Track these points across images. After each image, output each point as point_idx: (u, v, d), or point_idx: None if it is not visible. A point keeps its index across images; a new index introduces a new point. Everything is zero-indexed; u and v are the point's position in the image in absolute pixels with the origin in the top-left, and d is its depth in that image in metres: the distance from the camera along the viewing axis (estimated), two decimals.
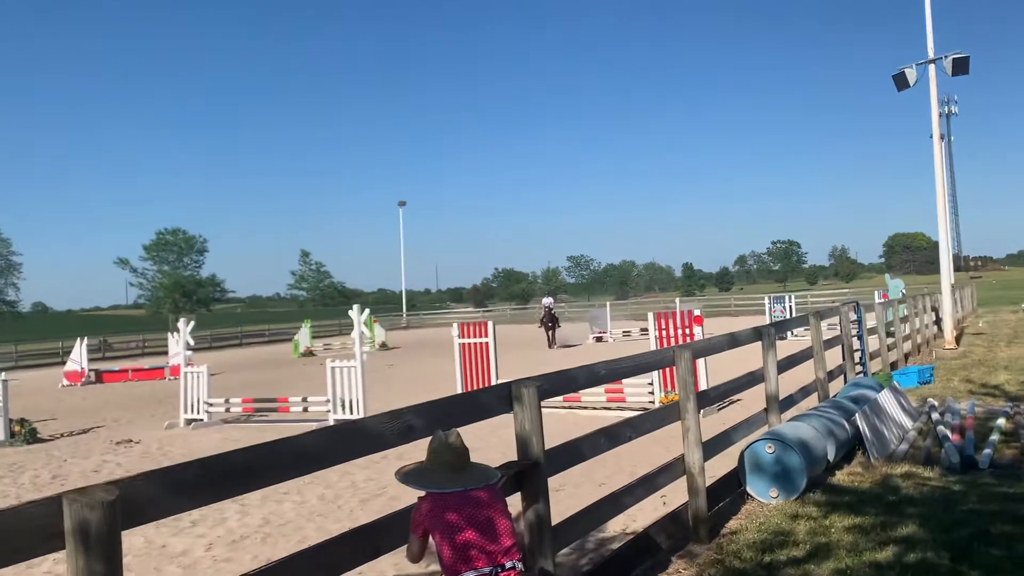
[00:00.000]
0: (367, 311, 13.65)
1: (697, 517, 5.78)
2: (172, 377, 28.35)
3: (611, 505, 4.91)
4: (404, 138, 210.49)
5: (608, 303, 40.60)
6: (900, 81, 17.06)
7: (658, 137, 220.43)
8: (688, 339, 12.16)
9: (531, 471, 3.96)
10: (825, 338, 11.16)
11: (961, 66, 16.46)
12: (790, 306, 28.59)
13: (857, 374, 11.73)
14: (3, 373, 14.47)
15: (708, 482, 6.60)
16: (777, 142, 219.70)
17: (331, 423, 13.35)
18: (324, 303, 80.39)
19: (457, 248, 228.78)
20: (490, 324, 14.33)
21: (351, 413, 13.13)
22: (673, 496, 6.62)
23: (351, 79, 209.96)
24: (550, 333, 29.94)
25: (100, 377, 28.63)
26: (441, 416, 3.53)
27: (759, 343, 7.49)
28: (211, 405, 14.90)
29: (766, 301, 29.71)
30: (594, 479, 8.29)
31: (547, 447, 4.24)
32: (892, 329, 18.26)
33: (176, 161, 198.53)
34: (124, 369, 29.29)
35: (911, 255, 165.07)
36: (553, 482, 8.37)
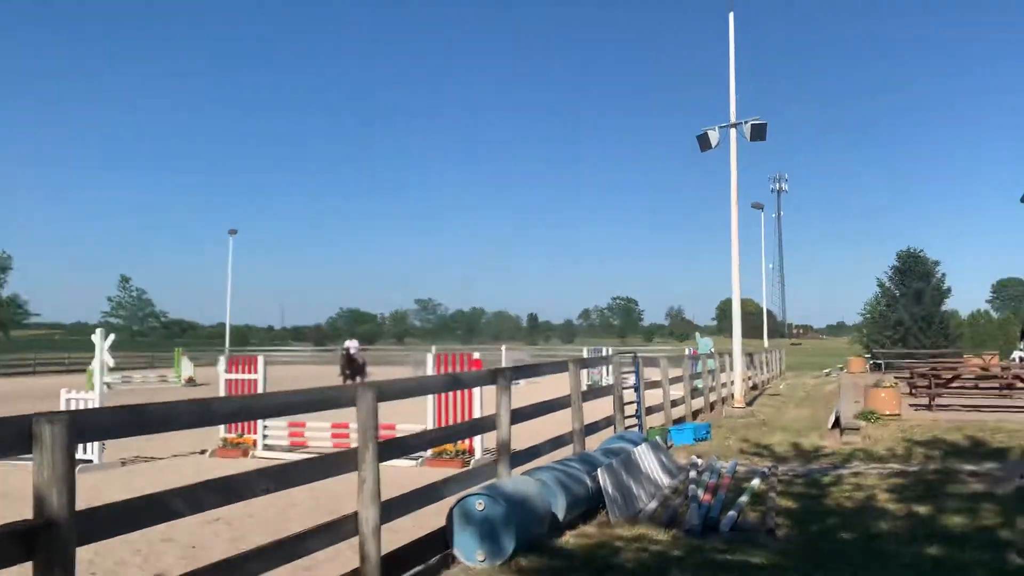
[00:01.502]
0: (111, 336, 12.19)
1: None
2: None
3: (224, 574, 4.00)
4: (242, 167, 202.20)
5: (432, 350, 39.75)
6: (703, 141, 17.46)
7: (509, 188, 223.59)
8: None
9: (44, 534, 3.01)
10: (586, 387, 10.84)
11: (759, 132, 17.01)
12: (634, 354, 28.78)
13: (630, 427, 11.40)
14: None
15: (405, 541, 5.85)
16: (624, 203, 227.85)
17: None
18: (146, 333, 75.42)
19: (306, 286, 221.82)
20: (260, 360, 13.18)
21: (82, 452, 11.60)
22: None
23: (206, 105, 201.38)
24: (348, 383, 24.67)
25: None
26: None
27: (495, 386, 6.84)
28: None
29: (584, 352, 29.83)
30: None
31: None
32: (697, 384, 18.45)
33: None
34: None
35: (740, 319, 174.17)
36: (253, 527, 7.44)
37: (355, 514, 5.03)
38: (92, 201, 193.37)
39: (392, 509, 5.36)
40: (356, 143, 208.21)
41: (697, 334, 31.16)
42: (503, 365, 31.69)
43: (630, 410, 12.08)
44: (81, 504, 3.23)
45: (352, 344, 25.75)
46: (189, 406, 3.78)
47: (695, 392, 18.16)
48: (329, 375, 37.84)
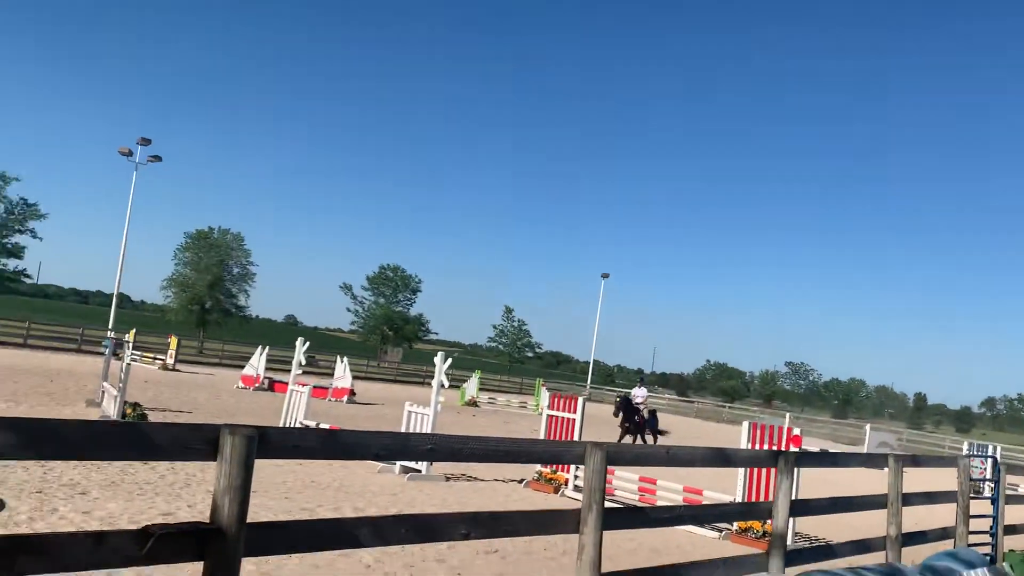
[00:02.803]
0: (450, 360, 13.21)
1: None
2: (333, 398, 29.54)
3: None
4: (616, 210, 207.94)
5: (786, 417, 37.27)
6: None
7: (904, 260, 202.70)
8: None
9: (213, 539, 3.22)
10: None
11: None
12: (993, 458, 24.63)
13: (975, 545, 9.50)
14: (128, 358, 15.48)
15: None
16: None
17: (396, 468, 12.98)
18: (523, 361, 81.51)
19: (680, 334, 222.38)
20: (580, 400, 13.36)
21: (413, 463, 12.71)
22: None
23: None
24: (629, 437, 21.28)
25: (272, 386, 30.22)
26: (55, 442, 2.91)
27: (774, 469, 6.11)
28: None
29: (964, 447, 25.89)
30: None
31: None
32: None
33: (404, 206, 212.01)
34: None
35: None
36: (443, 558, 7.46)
37: None
38: (484, 233, 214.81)
39: None
40: (732, 192, 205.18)
41: None
42: (865, 447, 28.71)
43: (982, 524, 10.11)
44: (398, 509, 3.40)
45: (639, 392, 22.78)
46: (382, 438, 3.84)
47: None
48: (687, 427, 37.56)
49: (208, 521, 3.29)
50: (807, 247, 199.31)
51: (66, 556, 2.97)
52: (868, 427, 32.54)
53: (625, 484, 12.53)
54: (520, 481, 13.73)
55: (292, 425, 15.30)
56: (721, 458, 5.80)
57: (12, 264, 50.30)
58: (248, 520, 3.34)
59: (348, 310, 72.92)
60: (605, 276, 58.19)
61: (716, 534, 10.97)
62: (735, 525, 10.99)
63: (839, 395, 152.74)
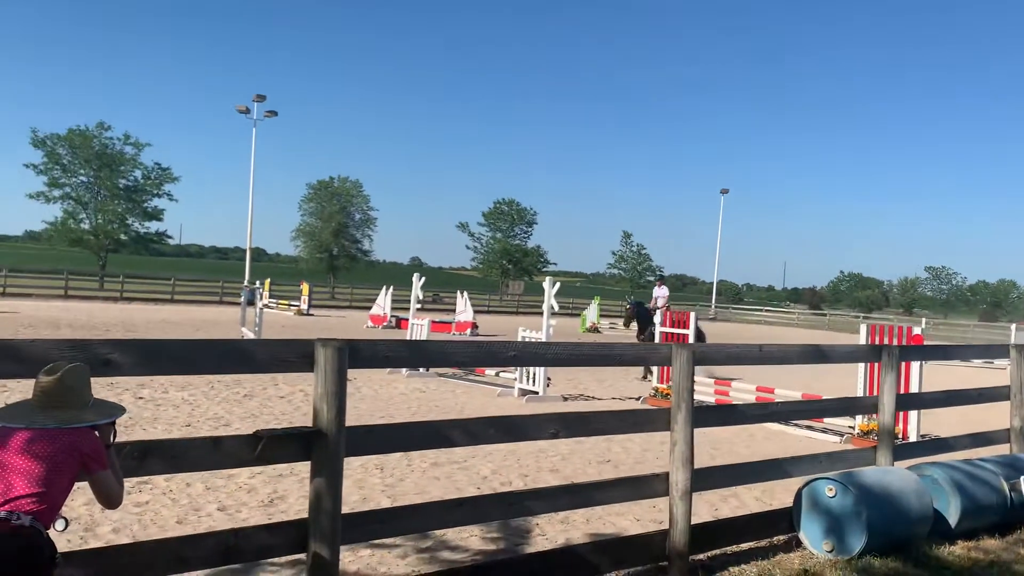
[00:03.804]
0: (558, 284, 13.38)
1: (673, 550, 4.84)
2: (456, 332, 30.46)
3: (492, 507, 4.24)
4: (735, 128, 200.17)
5: (922, 323, 35.68)
6: None
7: None
8: None
9: (316, 440, 3.56)
10: None
11: None
12: None
13: None
14: (261, 304, 16.46)
15: (736, 512, 5.55)
16: None
17: (515, 392, 13.40)
18: (643, 287, 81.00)
19: (808, 247, 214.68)
20: (692, 316, 13.33)
21: (533, 384, 13.09)
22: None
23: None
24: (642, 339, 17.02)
25: (399, 323, 31.41)
26: (165, 358, 3.29)
27: (862, 365, 6.05)
28: None
29: None
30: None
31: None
32: None
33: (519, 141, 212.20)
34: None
35: None
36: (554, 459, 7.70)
37: (666, 475, 4.92)
38: (602, 166, 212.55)
39: (712, 477, 5.13)
40: (856, 101, 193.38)
41: None
42: (1012, 342, 27.41)
43: None
44: None
45: (660, 292, 19.08)
46: (466, 347, 4.08)
47: None
48: (785, 335, 36.81)
49: (310, 425, 3.63)
50: (941, 146, 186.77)
51: (188, 458, 3.38)
52: (1014, 327, 30.86)
53: (742, 396, 12.51)
54: (638, 399, 13.92)
55: None
56: (817, 354, 5.77)
57: (154, 227, 53.68)
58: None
59: (467, 247, 74.30)
60: (724, 191, 56.73)
61: (837, 438, 10.85)
62: (856, 428, 10.83)
63: (987, 298, 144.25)
